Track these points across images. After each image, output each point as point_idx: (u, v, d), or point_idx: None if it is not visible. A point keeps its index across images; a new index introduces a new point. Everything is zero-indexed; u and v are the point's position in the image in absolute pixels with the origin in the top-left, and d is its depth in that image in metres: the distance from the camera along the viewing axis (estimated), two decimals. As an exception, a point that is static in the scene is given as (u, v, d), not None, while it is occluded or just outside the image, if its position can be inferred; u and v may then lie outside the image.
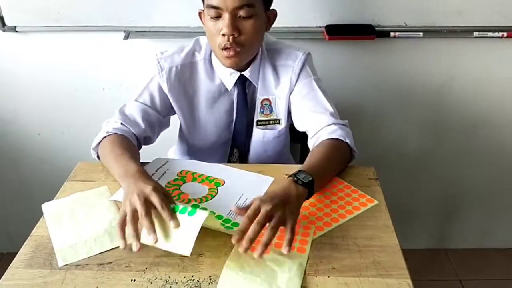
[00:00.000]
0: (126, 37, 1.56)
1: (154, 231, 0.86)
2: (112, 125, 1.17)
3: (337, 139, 1.13)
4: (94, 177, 1.13)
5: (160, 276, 0.84)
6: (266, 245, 0.83)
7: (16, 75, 1.69)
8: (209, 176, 1.13)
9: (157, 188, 0.91)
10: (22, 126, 1.80)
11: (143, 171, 0.99)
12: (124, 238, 0.87)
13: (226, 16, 1.07)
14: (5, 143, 1.83)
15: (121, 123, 1.17)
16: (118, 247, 0.90)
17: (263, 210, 0.85)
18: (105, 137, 1.15)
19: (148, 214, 0.87)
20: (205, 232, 0.88)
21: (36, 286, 0.82)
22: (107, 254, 0.89)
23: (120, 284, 0.82)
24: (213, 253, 0.89)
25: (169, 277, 0.84)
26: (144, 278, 0.83)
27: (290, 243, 0.84)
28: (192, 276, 0.84)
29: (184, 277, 0.83)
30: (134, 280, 0.83)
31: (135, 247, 0.85)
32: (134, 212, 0.88)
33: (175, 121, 1.34)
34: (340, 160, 1.13)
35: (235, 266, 0.85)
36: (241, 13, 1.08)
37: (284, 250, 0.84)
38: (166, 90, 1.22)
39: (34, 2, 1.52)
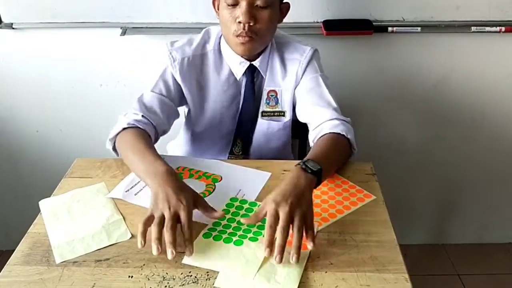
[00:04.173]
0: (123, 33, 1.55)
1: (174, 247, 0.84)
2: (132, 117, 1.15)
3: (339, 133, 1.13)
4: (91, 173, 1.13)
5: (158, 272, 0.84)
6: (299, 248, 0.84)
7: (13, 72, 1.69)
8: (206, 172, 1.12)
9: (189, 207, 0.90)
10: (20, 123, 1.80)
11: (172, 172, 0.97)
12: (144, 237, 0.86)
13: (243, 4, 1.10)
14: (3, 140, 1.83)
15: (142, 115, 1.15)
16: (115, 243, 0.90)
17: (282, 215, 0.85)
18: (125, 128, 1.13)
19: (172, 228, 0.85)
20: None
21: (33, 283, 0.82)
22: (104, 251, 0.89)
23: (117, 280, 0.82)
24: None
25: (167, 273, 0.84)
26: (141, 274, 0.83)
27: (313, 239, 0.86)
28: (190, 272, 0.84)
29: (182, 273, 0.83)
30: (132, 276, 0.83)
31: (155, 251, 0.84)
32: (162, 218, 0.87)
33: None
34: (341, 155, 1.13)
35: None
36: (258, 2, 1.11)
37: (309, 245, 0.86)
38: (179, 80, 1.23)
39: (30, -1, 1.52)
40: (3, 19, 1.55)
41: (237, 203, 1.01)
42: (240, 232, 0.92)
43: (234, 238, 0.90)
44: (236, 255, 0.86)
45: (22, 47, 1.64)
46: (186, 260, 0.86)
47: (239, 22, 1.11)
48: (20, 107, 1.76)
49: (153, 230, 0.86)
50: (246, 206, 1.00)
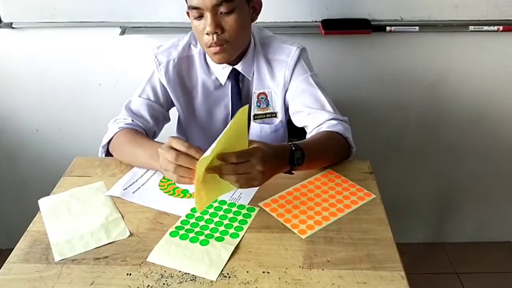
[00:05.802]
0: (122, 32, 1.56)
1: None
2: (123, 122, 1.20)
3: (337, 132, 1.14)
4: (91, 172, 1.14)
5: (156, 270, 0.84)
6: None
7: (13, 71, 1.69)
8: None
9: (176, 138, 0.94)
10: (20, 122, 1.80)
11: None
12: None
13: (207, 15, 1.08)
14: (3, 139, 1.84)
15: (132, 120, 1.20)
16: (114, 241, 0.91)
17: (253, 170, 0.90)
18: (117, 133, 1.17)
19: (179, 155, 0.91)
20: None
21: (32, 280, 0.83)
22: (103, 249, 0.90)
23: (116, 278, 0.83)
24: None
25: (165, 271, 0.84)
26: (140, 272, 0.84)
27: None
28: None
29: (179, 271, 0.84)
30: (130, 274, 0.84)
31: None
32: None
33: (173, 116, 1.34)
34: (335, 152, 1.13)
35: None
36: (222, 9, 1.08)
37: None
38: (165, 83, 1.24)
39: (29, -2, 1.52)
40: (2, 19, 1.56)
41: None
42: (207, 232, 0.93)
43: (201, 238, 0.91)
44: (201, 255, 0.87)
45: (22, 46, 1.64)
46: (151, 258, 0.87)
47: (207, 34, 1.10)
48: (19, 106, 1.77)
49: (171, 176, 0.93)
50: (215, 204, 1.00)
